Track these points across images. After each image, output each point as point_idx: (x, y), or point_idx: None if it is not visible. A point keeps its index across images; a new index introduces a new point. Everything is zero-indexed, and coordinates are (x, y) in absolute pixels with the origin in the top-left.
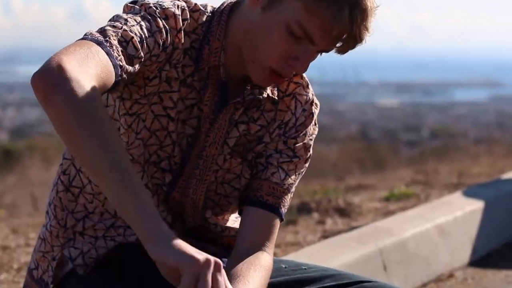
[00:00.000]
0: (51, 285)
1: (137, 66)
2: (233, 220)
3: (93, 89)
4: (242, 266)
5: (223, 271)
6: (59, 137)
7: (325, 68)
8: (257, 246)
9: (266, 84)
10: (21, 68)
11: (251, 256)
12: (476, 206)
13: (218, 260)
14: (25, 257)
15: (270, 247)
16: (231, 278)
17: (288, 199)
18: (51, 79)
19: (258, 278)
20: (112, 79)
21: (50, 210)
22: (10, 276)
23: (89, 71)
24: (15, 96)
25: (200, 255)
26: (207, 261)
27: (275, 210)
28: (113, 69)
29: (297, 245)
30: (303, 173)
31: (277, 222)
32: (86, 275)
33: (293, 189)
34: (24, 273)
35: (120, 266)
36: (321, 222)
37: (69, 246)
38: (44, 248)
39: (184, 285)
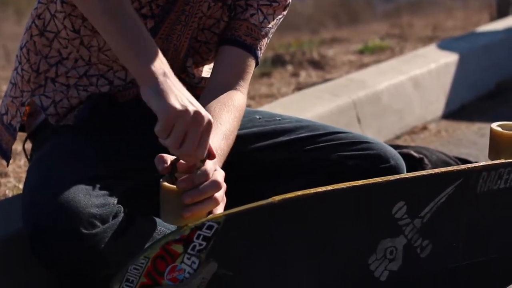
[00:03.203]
0: (26, 135)
1: None
2: (207, 71)
3: None
4: (215, 106)
5: (207, 128)
6: None
7: None
8: (231, 84)
9: None
10: None
11: (224, 95)
12: (450, 59)
13: (205, 116)
14: None
15: (244, 87)
16: None
17: (264, 44)
18: None
19: (231, 120)
20: None
21: (22, 54)
22: None
23: None
24: None
25: (181, 105)
26: (186, 112)
27: (251, 50)
28: None
29: (271, 97)
30: (281, 20)
31: (253, 63)
32: (59, 125)
33: (270, 35)
34: None
35: (92, 115)
36: (295, 74)
37: (40, 93)
38: (14, 93)
39: (157, 130)
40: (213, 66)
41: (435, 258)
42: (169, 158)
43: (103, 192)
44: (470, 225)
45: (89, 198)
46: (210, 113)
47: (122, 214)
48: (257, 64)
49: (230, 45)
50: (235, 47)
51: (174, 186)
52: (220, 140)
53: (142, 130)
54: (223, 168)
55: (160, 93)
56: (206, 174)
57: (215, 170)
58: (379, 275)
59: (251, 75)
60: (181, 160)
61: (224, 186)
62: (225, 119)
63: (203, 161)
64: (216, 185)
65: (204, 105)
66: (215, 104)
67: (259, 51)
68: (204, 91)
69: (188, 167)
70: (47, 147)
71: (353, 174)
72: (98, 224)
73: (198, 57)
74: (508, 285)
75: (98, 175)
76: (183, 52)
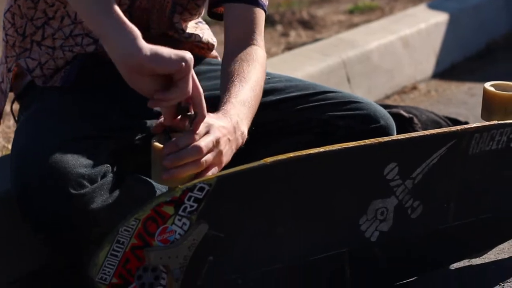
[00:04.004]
0: (13, 96)
1: None
2: (194, 27)
3: None
4: (236, 64)
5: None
6: None
7: None
8: (246, 41)
9: None
10: None
11: (242, 53)
12: (440, 18)
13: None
14: None
15: (260, 40)
16: (228, 77)
17: None
18: None
19: (253, 72)
20: None
21: (5, 19)
22: None
23: None
24: None
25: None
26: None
27: (256, 2)
28: None
29: None
30: None
31: (262, 14)
32: (46, 86)
33: None
34: None
35: (79, 77)
36: (284, 34)
37: (25, 56)
38: None
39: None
40: (224, 28)
41: (425, 219)
42: None
43: (91, 152)
44: (461, 186)
45: (77, 158)
46: (233, 72)
47: (110, 174)
48: (265, 12)
49: (234, 3)
50: (240, 3)
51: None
52: (247, 92)
53: (129, 88)
54: None
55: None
56: (190, 138)
57: (206, 133)
58: (370, 235)
59: (263, 25)
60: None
61: (213, 151)
62: (248, 73)
63: (190, 122)
64: (196, 151)
65: (225, 68)
66: (235, 63)
67: (264, 0)
68: (223, 54)
69: (182, 128)
70: (34, 108)
71: (343, 134)
72: (87, 184)
73: (186, 13)
74: (497, 245)
75: (85, 135)
76: (168, 9)
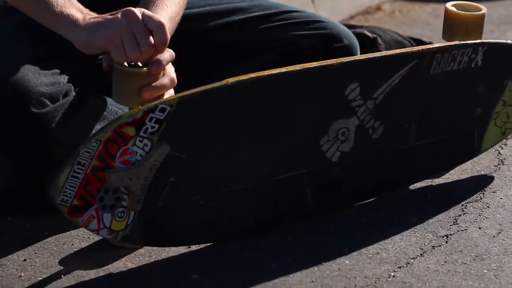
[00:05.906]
0: None
1: None
2: None
3: None
4: None
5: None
6: None
7: None
8: None
9: None
10: None
11: None
12: None
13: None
14: None
15: None
16: (148, 4)
17: None
18: None
19: (176, 1)
20: None
21: None
22: None
23: None
24: None
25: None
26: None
27: None
28: None
29: None
30: None
31: None
32: (6, 7)
33: None
34: None
35: None
36: None
37: None
38: None
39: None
40: None
41: (386, 139)
42: None
43: (52, 71)
44: (422, 107)
45: (38, 77)
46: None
47: (72, 94)
48: None
49: None
50: None
51: (128, 68)
52: (166, 22)
53: (89, 9)
54: (176, 48)
55: (90, 31)
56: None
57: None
58: (331, 156)
59: None
60: None
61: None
62: (169, 1)
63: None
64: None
65: None
66: None
67: None
68: None
69: None
70: None
71: (306, 54)
72: (48, 103)
73: None
74: (458, 165)
75: (47, 55)
76: None
